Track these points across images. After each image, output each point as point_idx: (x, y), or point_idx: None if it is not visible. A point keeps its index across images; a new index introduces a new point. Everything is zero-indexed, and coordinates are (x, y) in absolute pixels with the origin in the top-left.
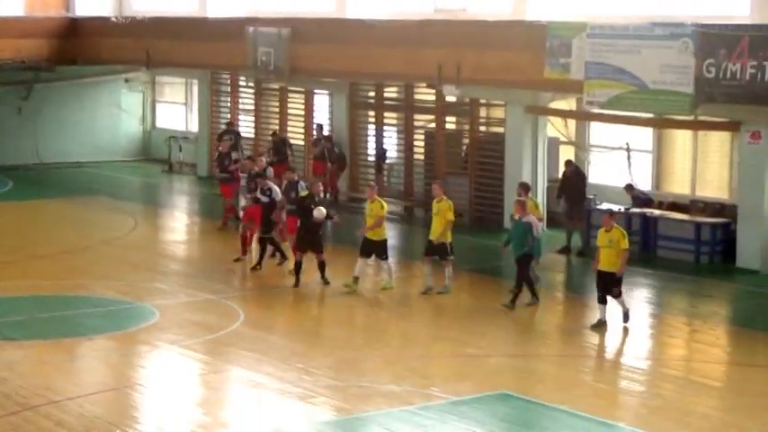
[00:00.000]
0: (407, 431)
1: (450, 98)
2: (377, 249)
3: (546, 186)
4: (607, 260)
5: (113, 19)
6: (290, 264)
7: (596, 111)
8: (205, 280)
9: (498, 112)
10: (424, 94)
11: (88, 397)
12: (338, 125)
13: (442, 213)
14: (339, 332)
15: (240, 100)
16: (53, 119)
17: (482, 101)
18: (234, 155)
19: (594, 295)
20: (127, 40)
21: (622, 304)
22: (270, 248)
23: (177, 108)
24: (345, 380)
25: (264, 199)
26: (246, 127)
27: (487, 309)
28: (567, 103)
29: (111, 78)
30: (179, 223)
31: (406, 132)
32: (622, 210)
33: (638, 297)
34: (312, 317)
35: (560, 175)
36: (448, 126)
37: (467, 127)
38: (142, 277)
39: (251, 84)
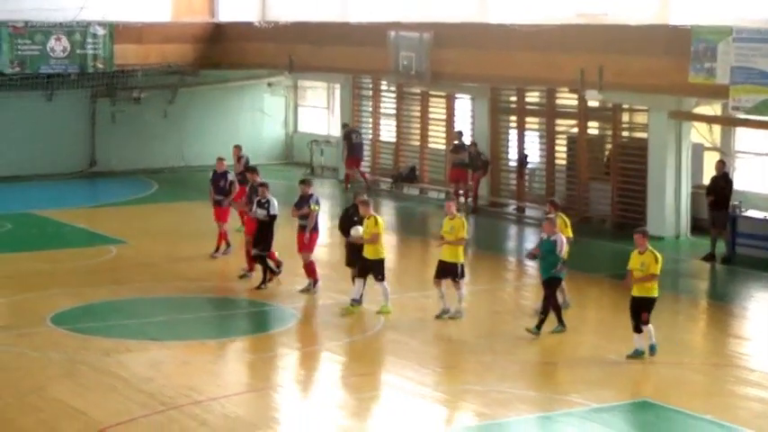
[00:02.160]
0: None
1: (593, 103)
2: (372, 269)
3: (690, 192)
4: (639, 285)
5: (257, 24)
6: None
7: (742, 116)
8: (346, 283)
9: (641, 118)
10: (566, 99)
11: (231, 397)
12: (479, 130)
13: (455, 231)
14: (480, 337)
15: (382, 104)
16: (197, 122)
17: (625, 106)
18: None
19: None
20: (270, 44)
21: (650, 333)
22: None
23: (319, 112)
24: (486, 385)
25: (261, 213)
26: (388, 131)
27: (629, 315)
28: (712, 109)
29: (254, 83)
30: (320, 227)
31: (548, 137)
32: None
33: None
34: (453, 321)
35: (711, 177)
36: (590, 131)
37: (609, 132)
38: (284, 280)
39: (392, 88)
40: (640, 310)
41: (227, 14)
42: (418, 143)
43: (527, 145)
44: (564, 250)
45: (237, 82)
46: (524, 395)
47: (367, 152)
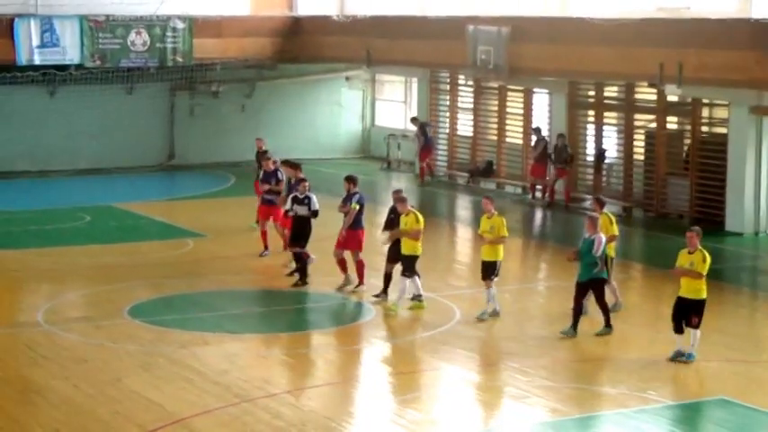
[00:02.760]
0: None
1: (672, 98)
2: (404, 263)
3: None
4: (687, 285)
5: (335, 18)
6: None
7: None
8: (424, 278)
9: (721, 113)
10: (645, 94)
11: (305, 391)
12: (557, 124)
13: (495, 231)
14: (556, 333)
15: (459, 98)
16: (275, 116)
17: (705, 101)
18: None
19: None
20: (348, 38)
21: (693, 337)
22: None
23: (396, 106)
24: (560, 381)
25: (302, 210)
26: (465, 126)
27: (707, 312)
28: None
29: (331, 77)
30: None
31: (626, 132)
32: None
33: None
34: (529, 317)
35: None
36: (669, 126)
37: (688, 127)
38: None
39: (470, 82)
40: (689, 312)
41: (305, 8)
42: (495, 138)
43: (605, 140)
44: (601, 250)
45: (315, 76)
46: (599, 391)
47: (444, 146)
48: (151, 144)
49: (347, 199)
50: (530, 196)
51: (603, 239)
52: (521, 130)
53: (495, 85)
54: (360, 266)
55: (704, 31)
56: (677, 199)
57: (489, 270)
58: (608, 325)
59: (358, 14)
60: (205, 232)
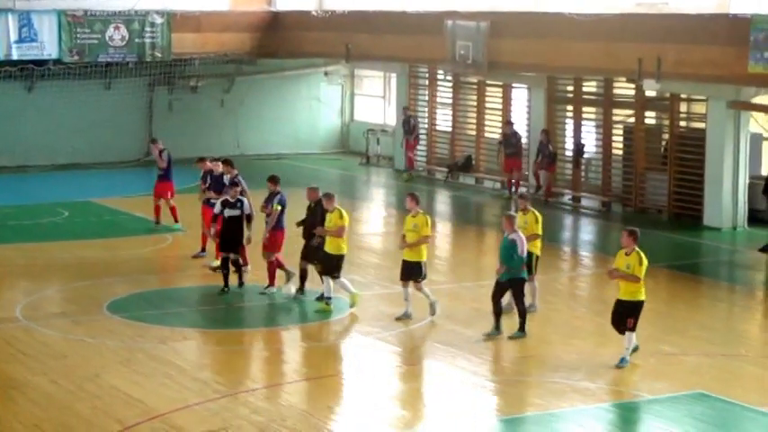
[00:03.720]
0: (601, 429)
1: (650, 93)
2: (329, 263)
3: (747, 183)
4: (625, 288)
5: (314, 13)
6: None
7: None
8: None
9: (699, 108)
10: (624, 89)
11: (285, 386)
12: (536, 120)
13: (418, 229)
14: (536, 327)
15: (438, 93)
16: (254, 111)
17: (683, 96)
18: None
19: None
20: (327, 33)
21: (628, 340)
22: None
23: (375, 101)
24: (540, 375)
25: (234, 213)
26: (444, 121)
27: (685, 306)
28: None
29: (310, 72)
30: (376, 215)
31: (605, 127)
32: None
33: None
34: (507, 311)
35: None
36: (647, 121)
37: (666, 122)
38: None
39: (449, 77)
40: (626, 315)
41: (284, 3)
42: (474, 133)
43: (583, 135)
44: (524, 250)
45: (294, 71)
46: (579, 386)
47: (423, 141)
48: (129, 139)
49: (269, 199)
50: (507, 192)
51: (524, 238)
52: (500, 125)
53: (473, 80)
54: (271, 267)
55: (683, 27)
56: (655, 194)
57: (411, 271)
58: (522, 329)
59: (337, 9)
60: (184, 227)
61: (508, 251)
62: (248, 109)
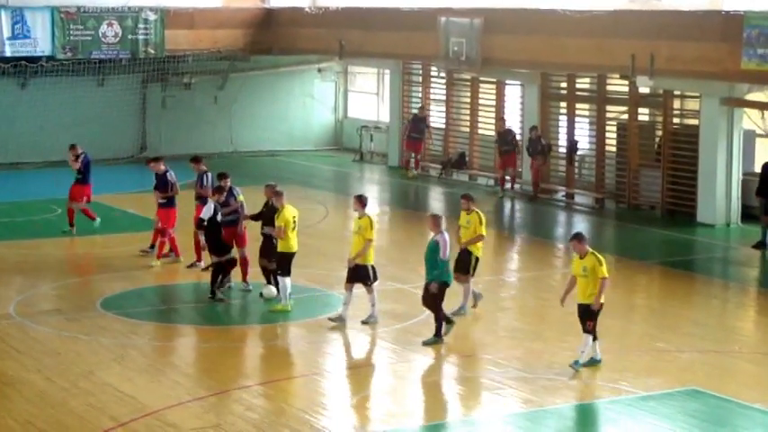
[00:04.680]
0: (596, 425)
1: (644, 89)
2: (277, 261)
3: (740, 180)
4: (583, 290)
5: (307, 9)
6: None
7: None
8: (395, 269)
9: (693, 104)
10: (617, 86)
11: (278, 383)
12: (529, 116)
13: (362, 232)
14: (529, 324)
15: (431, 90)
16: (247, 108)
17: (676, 92)
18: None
19: None
20: (320, 30)
21: (585, 344)
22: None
23: (369, 98)
24: (533, 372)
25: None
26: (438, 117)
27: (679, 303)
28: (765, 95)
29: (304, 68)
30: (369, 212)
31: (598, 124)
32: None
33: None
34: (502, 308)
35: (762, 164)
36: (641, 118)
37: (660, 119)
38: (332, 266)
39: (442, 74)
40: (584, 317)
41: (277, 0)
42: (468, 129)
43: (577, 131)
44: (447, 252)
45: (288, 67)
46: (572, 383)
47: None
48: (123, 136)
49: (230, 195)
50: (500, 188)
51: (447, 240)
52: (493, 121)
53: (467, 76)
54: (243, 263)
55: (676, 23)
56: (649, 190)
57: (357, 273)
58: (438, 334)
59: (330, 6)
60: (177, 224)
61: (433, 253)
62: (242, 106)
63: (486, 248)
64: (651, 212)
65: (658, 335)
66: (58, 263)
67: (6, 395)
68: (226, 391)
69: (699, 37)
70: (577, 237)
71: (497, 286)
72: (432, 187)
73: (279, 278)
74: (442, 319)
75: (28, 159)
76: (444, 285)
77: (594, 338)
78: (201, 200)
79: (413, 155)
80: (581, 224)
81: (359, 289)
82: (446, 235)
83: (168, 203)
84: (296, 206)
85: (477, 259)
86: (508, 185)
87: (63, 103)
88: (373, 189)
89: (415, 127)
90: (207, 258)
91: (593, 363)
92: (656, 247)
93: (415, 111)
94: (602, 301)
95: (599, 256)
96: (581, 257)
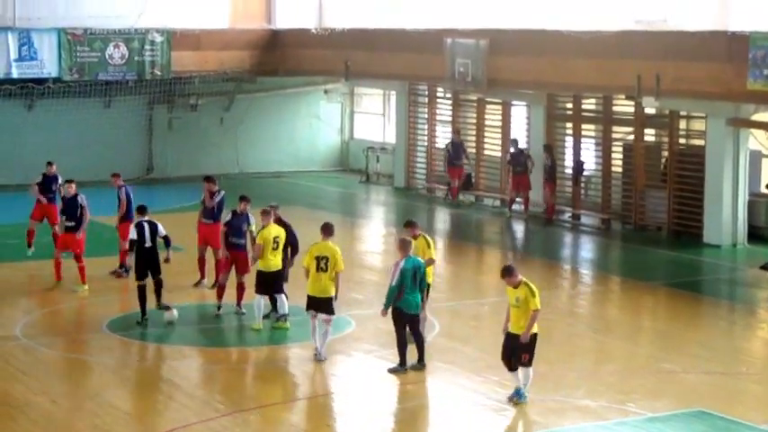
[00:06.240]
0: None
1: (650, 110)
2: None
3: (747, 200)
4: (517, 321)
5: (313, 31)
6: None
7: None
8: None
9: (699, 125)
10: (623, 106)
11: (285, 404)
12: (535, 137)
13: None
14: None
15: (438, 111)
16: (254, 129)
17: (682, 113)
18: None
19: None
20: (326, 51)
21: (524, 376)
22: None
23: (375, 119)
24: (540, 393)
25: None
26: (444, 138)
27: (685, 324)
28: None
29: (310, 89)
30: (375, 234)
31: (604, 144)
32: None
33: None
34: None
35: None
36: (647, 138)
37: (666, 139)
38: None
39: (448, 95)
40: (519, 350)
41: (284, 21)
42: (474, 150)
43: (583, 152)
44: (396, 278)
45: (294, 89)
46: (579, 404)
47: (422, 159)
48: (129, 157)
49: (244, 220)
50: (507, 209)
51: (401, 265)
52: (499, 142)
53: (473, 97)
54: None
55: (681, 44)
56: (655, 211)
57: (320, 305)
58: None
59: (336, 27)
60: (182, 246)
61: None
62: (248, 127)
63: (490, 269)
64: (657, 233)
65: (665, 356)
66: (64, 284)
67: (13, 417)
68: (232, 413)
69: (705, 57)
70: (508, 270)
71: (502, 308)
72: (438, 208)
73: (257, 296)
74: (403, 345)
75: (34, 181)
76: (395, 311)
77: (513, 370)
78: (210, 217)
79: (455, 181)
80: (587, 245)
81: None
82: (401, 262)
83: (76, 228)
84: (303, 227)
85: (428, 286)
86: (520, 207)
87: (70, 124)
88: (380, 210)
89: (456, 153)
90: (210, 277)
91: (519, 396)
92: (662, 267)
93: (449, 137)
94: (534, 331)
95: (532, 286)
96: (514, 287)
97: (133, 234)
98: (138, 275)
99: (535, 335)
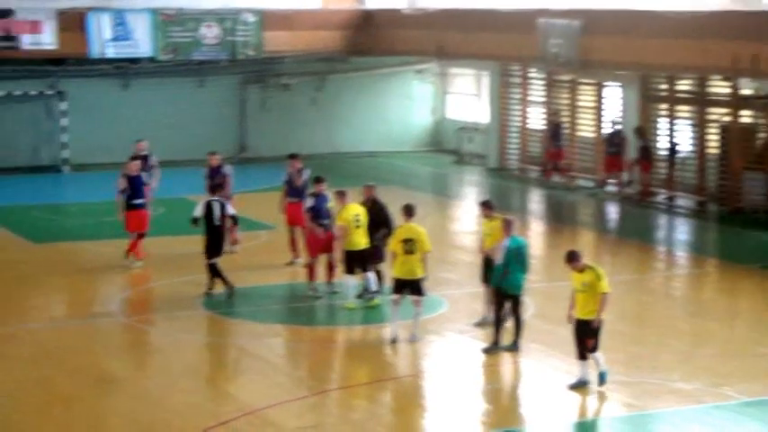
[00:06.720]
0: (698, 430)
1: (746, 91)
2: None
3: None
4: (583, 306)
5: (405, 11)
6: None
7: None
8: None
9: None
10: (719, 87)
11: (376, 383)
12: (629, 118)
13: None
14: (631, 327)
15: (530, 92)
16: (346, 109)
17: None
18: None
19: None
20: (419, 31)
21: (597, 362)
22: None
23: (467, 99)
24: (636, 376)
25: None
26: (536, 119)
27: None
28: None
29: (402, 69)
30: (468, 214)
31: (700, 126)
32: None
33: None
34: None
35: None
36: (743, 119)
37: (763, 120)
38: (431, 267)
39: (541, 75)
40: (586, 335)
41: (376, 1)
42: (567, 131)
43: (677, 134)
44: (498, 256)
45: (386, 69)
46: (674, 386)
47: (516, 140)
48: (223, 137)
49: (322, 199)
50: (601, 190)
51: (505, 244)
52: (593, 123)
53: (566, 78)
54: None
55: None
56: (752, 193)
57: (410, 285)
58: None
59: (429, 7)
60: (276, 224)
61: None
62: (340, 107)
63: (587, 251)
64: (754, 216)
65: (763, 340)
66: (161, 261)
67: (109, 393)
68: (325, 391)
69: None
70: (570, 256)
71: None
72: (531, 189)
73: (346, 276)
74: (499, 320)
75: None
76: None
77: (583, 358)
78: (296, 195)
79: (554, 162)
80: (682, 227)
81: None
82: (505, 241)
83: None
84: (396, 207)
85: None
86: (613, 188)
87: (164, 103)
88: (472, 190)
89: (555, 135)
90: (304, 255)
91: (581, 384)
92: (759, 250)
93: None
94: (602, 317)
95: (598, 270)
96: (579, 272)
97: (198, 212)
98: (211, 254)
99: (600, 321)
